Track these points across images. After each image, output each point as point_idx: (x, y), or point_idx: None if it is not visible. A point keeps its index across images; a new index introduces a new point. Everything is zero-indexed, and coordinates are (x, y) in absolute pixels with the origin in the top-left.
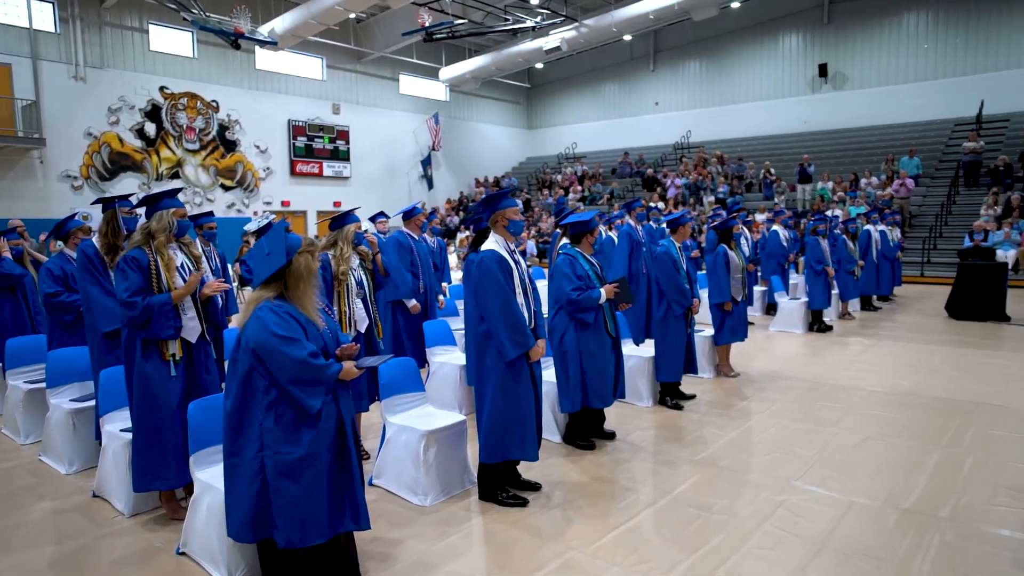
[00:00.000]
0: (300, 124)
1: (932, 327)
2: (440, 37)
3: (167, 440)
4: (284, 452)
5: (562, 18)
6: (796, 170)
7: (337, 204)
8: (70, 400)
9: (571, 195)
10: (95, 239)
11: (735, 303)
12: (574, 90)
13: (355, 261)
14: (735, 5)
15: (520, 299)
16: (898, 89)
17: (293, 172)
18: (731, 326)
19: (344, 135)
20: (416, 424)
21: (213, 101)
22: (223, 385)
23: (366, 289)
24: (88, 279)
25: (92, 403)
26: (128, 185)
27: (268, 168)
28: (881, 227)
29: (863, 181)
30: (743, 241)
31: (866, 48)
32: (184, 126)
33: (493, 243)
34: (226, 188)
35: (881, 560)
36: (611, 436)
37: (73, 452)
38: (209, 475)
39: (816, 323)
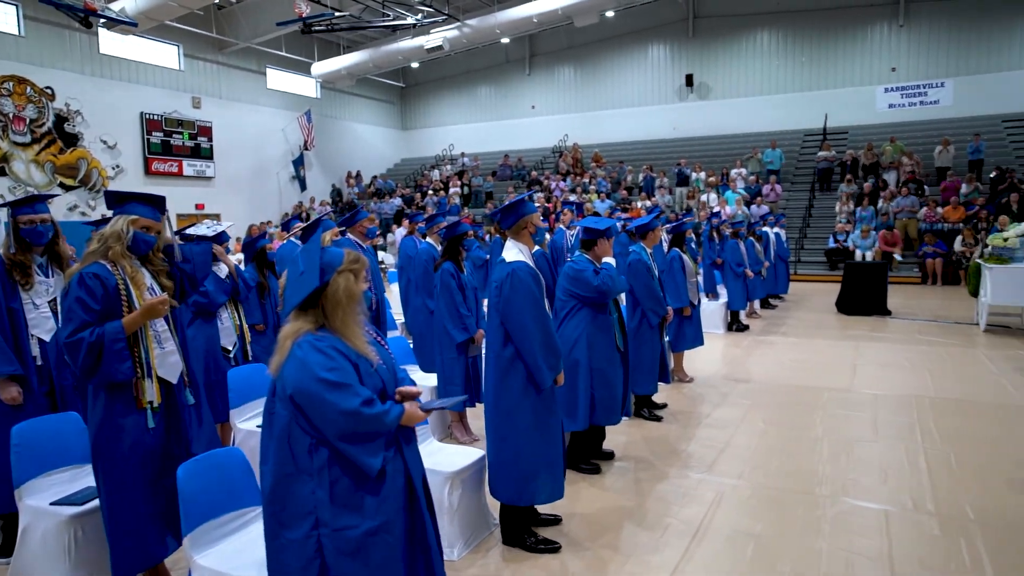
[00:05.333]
0: (155, 118)
1: (832, 323)
2: (319, 30)
3: (148, 512)
4: (346, 527)
5: (443, 17)
6: (675, 171)
7: (200, 207)
8: None
9: (452, 190)
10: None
11: (693, 307)
12: (449, 91)
13: None
14: (610, 14)
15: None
16: (755, 100)
17: (148, 171)
18: (690, 331)
19: (206, 131)
20: (434, 465)
21: (47, 88)
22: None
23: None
24: None
25: None
26: None
27: (118, 166)
28: (776, 229)
29: (734, 172)
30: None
31: (727, 61)
32: (11, 115)
33: (517, 253)
34: (67, 188)
35: (955, 574)
36: (611, 456)
37: None
38: (213, 559)
39: (734, 323)
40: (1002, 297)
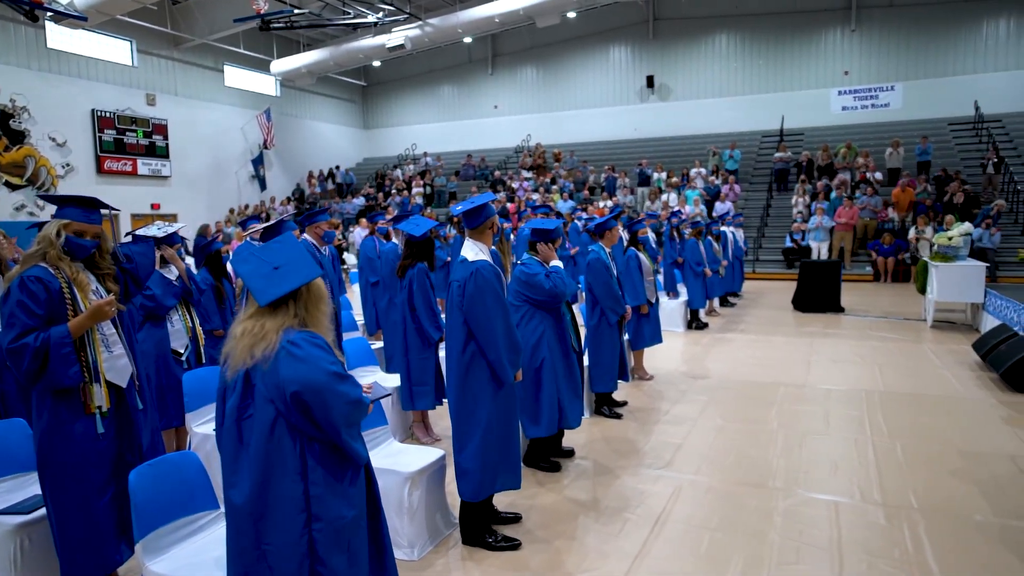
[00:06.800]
0: (107, 115)
1: (788, 320)
2: (278, 27)
3: (100, 520)
4: (338, 517)
5: (405, 15)
6: (636, 171)
7: (156, 206)
8: None
9: (415, 190)
10: None
11: (650, 305)
12: (411, 90)
13: None
14: (572, 15)
15: None
16: (714, 102)
17: (101, 170)
18: (648, 329)
19: (162, 129)
20: (394, 465)
21: None
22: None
23: None
24: None
25: None
26: None
27: (68, 164)
28: (733, 229)
29: (693, 171)
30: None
31: (686, 63)
32: None
33: (478, 252)
34: (13, 187)
35: (899, 561)
36: (570, 454)
37: None
38: (166, 566)
39: (694, 321)
40: (947, 294)
